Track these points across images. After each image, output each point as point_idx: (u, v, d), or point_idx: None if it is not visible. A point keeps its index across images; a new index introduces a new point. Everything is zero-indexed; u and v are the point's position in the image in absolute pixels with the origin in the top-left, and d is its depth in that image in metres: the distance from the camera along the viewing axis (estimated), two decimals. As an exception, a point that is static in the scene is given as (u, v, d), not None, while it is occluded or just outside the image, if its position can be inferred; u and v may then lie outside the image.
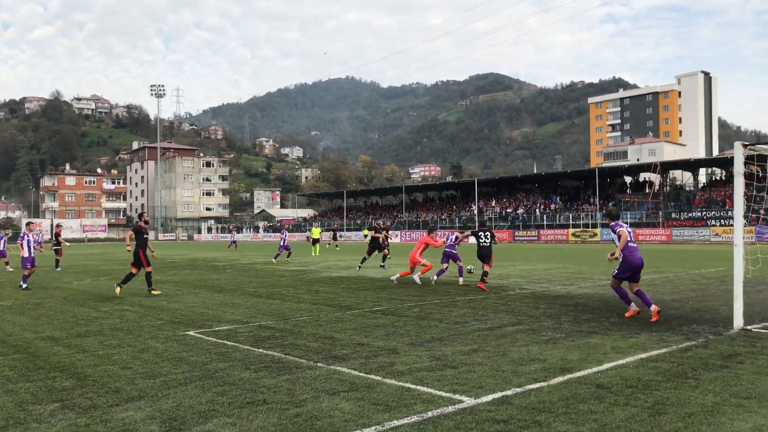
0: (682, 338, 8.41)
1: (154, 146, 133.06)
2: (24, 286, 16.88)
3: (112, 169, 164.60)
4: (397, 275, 17.53)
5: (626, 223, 56.16)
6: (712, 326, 9.36)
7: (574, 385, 6.04)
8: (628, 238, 10.12)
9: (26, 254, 17.77)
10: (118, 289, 14.90)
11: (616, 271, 10.35)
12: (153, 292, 15.15)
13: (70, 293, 15.91)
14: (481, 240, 15.58)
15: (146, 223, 16.11)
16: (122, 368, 7.11)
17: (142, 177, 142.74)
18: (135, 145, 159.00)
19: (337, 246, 50.17)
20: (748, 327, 8.99)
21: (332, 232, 53.27)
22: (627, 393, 5.75)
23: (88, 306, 13.25)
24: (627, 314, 10.30)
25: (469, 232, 17.79)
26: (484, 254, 15.40)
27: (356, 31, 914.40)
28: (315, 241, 37.90)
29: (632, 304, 10.31)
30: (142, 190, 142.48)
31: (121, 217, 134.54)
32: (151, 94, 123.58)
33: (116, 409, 5.49)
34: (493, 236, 15.90)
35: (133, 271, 15.11)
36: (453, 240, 17.32)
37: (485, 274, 15.29)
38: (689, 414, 5.10)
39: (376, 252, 24.73)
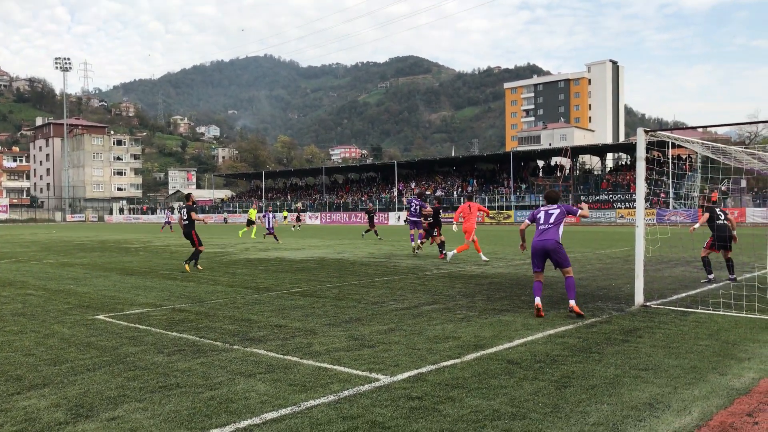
0: (588, 315, 8.83)
1: (61, 122, 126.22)
2: None
3: (13, 146, 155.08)
4: (454, 251, 17.54)
5: (538, 205, 58.32)
6: (615, 303, 9.88)
7: (486, 361, 6.24)
8: (540, 223, 9.35)
9: None
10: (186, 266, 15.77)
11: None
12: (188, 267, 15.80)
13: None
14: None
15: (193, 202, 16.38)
16: (24, 355, 6.78)
17: (48, 155, 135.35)
18: (39, 121, 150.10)
19: (299, 227, 49.76)
20: (648, 303, 9.55)
21: (296, 213, 52.61)
22: (536, 368, 6.00)
23: (-14, 291, 12.49)
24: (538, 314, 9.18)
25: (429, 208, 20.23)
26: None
27: (273, 8, 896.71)
28: (250, 223, 36.76)
29: (537, 298, 9.15)
30: (48, 169, 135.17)
31: (25, 196, 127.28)
32: (56, 68, 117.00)
33: (17, 398, 5.23)
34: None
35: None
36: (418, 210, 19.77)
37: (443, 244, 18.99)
38: (592, 386, 5.38)
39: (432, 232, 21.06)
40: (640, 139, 9.65)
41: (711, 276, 12.50)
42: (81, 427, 4.53)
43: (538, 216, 9.34)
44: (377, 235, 32.51)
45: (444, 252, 18.60)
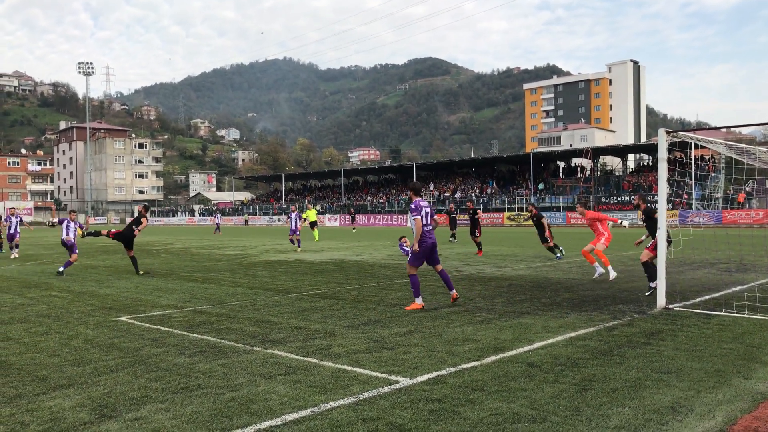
0: (609, 317, 8.76)
1: (83, 126, 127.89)
2: None
3: (37, 149, 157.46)
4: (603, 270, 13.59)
5: (558, 207, 57.89)
6: (637, 306, 9.79)
7: (506, 364, 6.22)
8: (423, 223, 9.53)
9: None
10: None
11: (411, 257, 9.76)
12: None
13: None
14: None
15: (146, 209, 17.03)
16: (50, 356, 6.88)
17: (71, 158, 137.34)
18: (62, 125, 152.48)
19: (354, 229, 49.34)
20: (670, 306, 9.45)
21: (350, 215, 52.04)
22: (556, 371, 5.96)
23: (12, 292, 12.71)
24: (408, 307, 9.65)
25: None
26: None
27: (292, 11, 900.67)
28: (313, 225, 33.40)
29: (419, 297, 9.66)
30: (71, 172, 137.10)
31: (49, 199, 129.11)
32: (79, 72, 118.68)
33: (43, 398, 5.32)
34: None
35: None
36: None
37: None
38: (614, 389, 5.34)
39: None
40: (662, 140, 9.55)
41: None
42: (105, 427, 4.59)
43: (423, 213, 9.61)
44: (454, 238, 29.14)
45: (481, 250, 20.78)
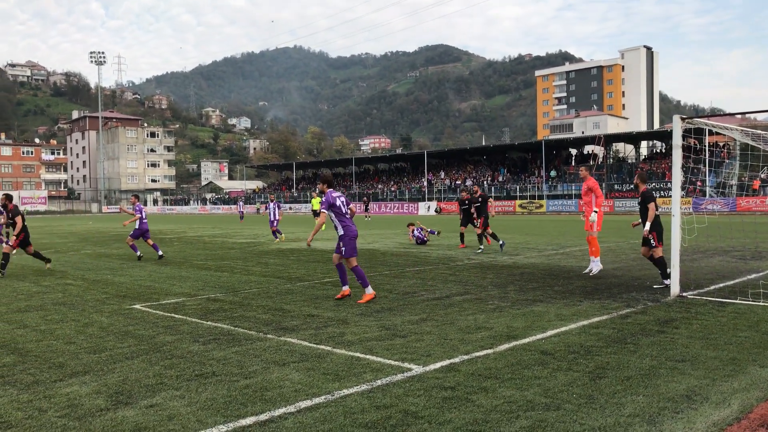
0: (623, 305, 8.73)
1: (96, 115, 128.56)
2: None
3: (51, 139, 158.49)
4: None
5: (570, 194, 57.56)
6: (650, 294, 9.74)
7: (519, 352, 6.21)
8: (342, 212, 9.46)
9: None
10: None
11: (344, 249, 9.46)
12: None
13: (9, 267, 15.37)
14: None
15: None
16: (66, 343, 6.95)
17: (84, 147, 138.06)
18: (75, 115, 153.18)
19: (368, 217, 49.09)
20: (684, 294, 9.39)
21: (364, 203, 51.92)
22: (569, 358, 5.95)
23: (28, 280, 12.85)
24: (360, 300, 9.38)
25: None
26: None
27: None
28: (317, 214, 31.43)
29: (369, 287, 9.52)
30: (84, 161, 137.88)
31: (62, 188, 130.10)
32: (91, 61, 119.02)
33: (60, 385, 5.38)
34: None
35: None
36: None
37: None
38: (627, 377, 5.32)
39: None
40: (676, 127, 9.45)
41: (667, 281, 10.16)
42: (121, 413, 4.64)
43: (338, 204, 9.45)
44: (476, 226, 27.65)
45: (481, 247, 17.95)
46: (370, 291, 9.49)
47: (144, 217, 17.50)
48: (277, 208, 24.49)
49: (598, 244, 12.21)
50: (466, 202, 19.36)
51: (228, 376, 5.53)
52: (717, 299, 9.09)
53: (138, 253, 17.11)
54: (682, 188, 9.98)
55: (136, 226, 17.36)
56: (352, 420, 4.42)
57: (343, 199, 9.61)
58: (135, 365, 5.97)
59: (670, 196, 10.50)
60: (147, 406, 4.79)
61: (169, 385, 5.30)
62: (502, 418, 4.42)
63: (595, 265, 12.20)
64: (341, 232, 9.47)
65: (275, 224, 24.35)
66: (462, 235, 19.72)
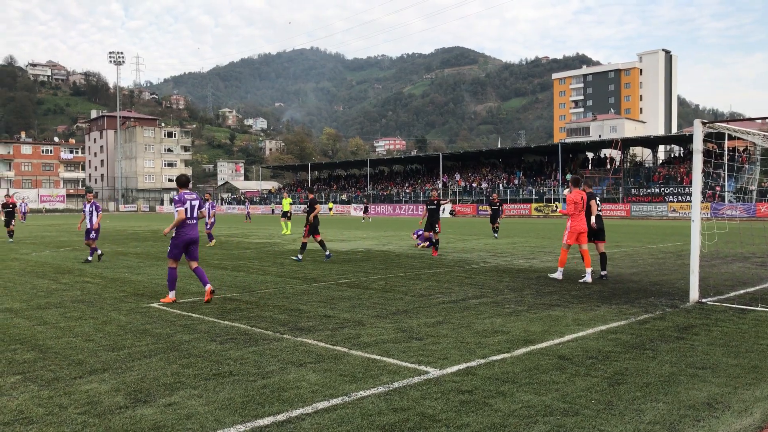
0: (641, 311, 8.65)
1: (114, 115, 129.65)
2: None
3: (69, 138, 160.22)
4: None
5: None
6: (669, 299, 9.64)
7: (536, 356, 6.18)
8: (186, 216, 9.56)
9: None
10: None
11: (169, 250, 9.76)
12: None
13: (29, 265, 15.55)
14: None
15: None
16: (85, 340, 7.01)
17: (102, 147, 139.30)
18: (93, 114, 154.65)
19: (367, 219, 49.76)
20: (704, 300, 9.29)
21: (364, 206, 52.65)
22: (588, 364, 5.90)
23: (47, 278, 12.98)
24: (162, 300, 9.74)
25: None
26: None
27: (320, 0, 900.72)
28: (286, 215, 30.22)
29: (173, 292, 9.77)
30: (102, 160, 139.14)
31: (80, 187, 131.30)
32: (110, 62, 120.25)
33: (80, 381, 5.42)
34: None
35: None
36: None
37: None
38: (647, 384, 5.27)
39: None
40: (697, 131, 9.36)
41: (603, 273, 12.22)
42: (140, 411, 4.67)
43: (188, 206, 9.62)
44: (496, 233, 25.70)
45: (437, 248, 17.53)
46: (172, 295, 9.76)
47: (92, 216, 16.29)
48: (211, 208, 21.80)
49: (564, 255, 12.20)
50: (435, 202, 17.75)
51: (245, 376, 5.55)
52: (737, 306, 8.98)
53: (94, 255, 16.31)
54: (702, 193, 9.89)
55: (88, 226, 16.17)
56: (370, 422, 4.41)
57: (195, 203, 9.80)
58: (153, 363, 6.01)
59: (689, 201, 10.42)
60: (165, 404, 4.82)
61: (187, 384, 5.33)
62: (521, 422, 4.39)
63: (559, 274, 12.24)
64: (174, 234, 9.70)
65: (209, 227, 21.77)
66: (430, 241, 18.18)
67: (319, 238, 16.41)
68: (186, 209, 9.58)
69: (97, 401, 4.90)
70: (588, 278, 11.67)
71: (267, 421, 4.46)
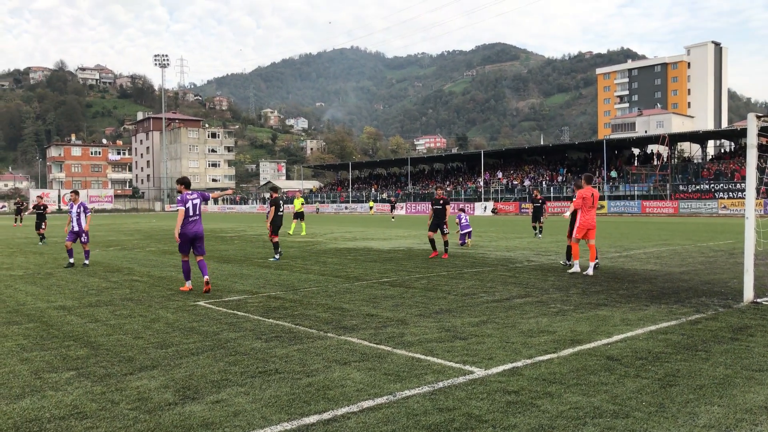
0: (692, 311, 8.41)
1: (159, 117, 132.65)
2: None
3: (117, 139, 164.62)
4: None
5: (633, 195, 56.01)
6: (721, 299, 9.36)
7: (584, 357, 6.06)
8: (189, 215, 10.56)
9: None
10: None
11: (179, 245, 10.73)
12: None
13: (80, 263, 15.98)
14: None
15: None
16: (134, 338, 7.17)
17: (148, 148, 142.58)
18: (140, 116, 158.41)
19: (393, 218, 49.97)
20: (758, 300, 8.98)
21: (390, 204, 52.64)
22: (637, 365, 5.76)
23: (98, 276, 13.33)
24: (182, 288, 10.94)
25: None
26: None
27: (360, 0, 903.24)
28: (298, 215, 28.17)
29: (189, 281, 10.96)
30: (148, 161, 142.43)
31: (127, 187, 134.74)
32: (155, 64, 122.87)
33: (130, 378, 5.54)
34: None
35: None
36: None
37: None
38: (700, 386, 5.11)
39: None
40: (751, 125, 9.05)
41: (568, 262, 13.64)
42: (189, 408, 4.74)
43: (189, 205, 10.53)
44: (539, 232, 24.82)
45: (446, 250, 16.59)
46: (188, 284, 10.88)
47: (80, 218, 15.30)
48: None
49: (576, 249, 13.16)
50: (440, 202, 16.45)
51: (291, 374, 5.59)
52: (794, 306, 8.66)
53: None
54: (756, 189, 9.57)
55: (76, 228, 15.21)
56: (415, 422, 4.39)
57: (196, 201, 10.74)
58: (200, 361, 6.10)
59: (740, 197, 10.09)
60: (213, 401, 4.88)
61: (233, 381, 5.39)
62: (569, 424, 4.31)
63: (576, 266, 13.00)
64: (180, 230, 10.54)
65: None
66: (432, 242, 16.80)
67: (275, 240, 16.47)
68: (187, 208, 10.55)
69: (147, 397, 5.00)
70: (590, 271, 12.43)
71: (313, 419, 4.48)
